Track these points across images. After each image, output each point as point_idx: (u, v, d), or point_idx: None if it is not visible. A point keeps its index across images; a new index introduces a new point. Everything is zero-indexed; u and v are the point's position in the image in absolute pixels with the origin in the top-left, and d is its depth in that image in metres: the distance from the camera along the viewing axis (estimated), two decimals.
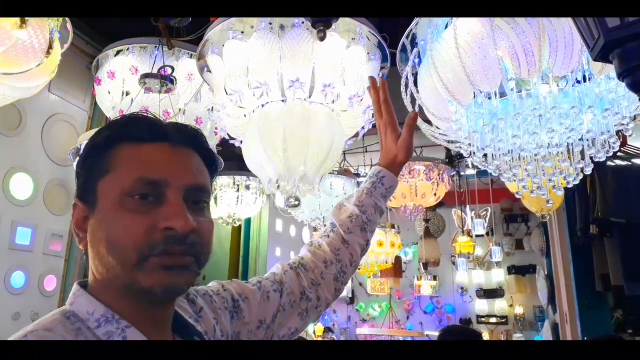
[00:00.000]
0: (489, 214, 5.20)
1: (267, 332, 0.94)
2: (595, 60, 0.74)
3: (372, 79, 1.29)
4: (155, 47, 2.36)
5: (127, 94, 2.35)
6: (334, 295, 1.09)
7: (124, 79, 2.32)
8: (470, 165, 4.76)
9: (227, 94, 1.76)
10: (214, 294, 0.89)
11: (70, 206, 0.75)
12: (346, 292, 7.73)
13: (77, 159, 0.77)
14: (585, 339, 4.13)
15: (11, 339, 0.62)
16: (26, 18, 1.39)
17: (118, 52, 2.41)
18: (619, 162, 3.98)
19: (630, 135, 1.34)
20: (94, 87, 2.56)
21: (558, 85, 1.34)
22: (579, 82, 1.34)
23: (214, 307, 0.86)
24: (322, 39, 1.12)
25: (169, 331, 0.73)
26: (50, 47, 1.55)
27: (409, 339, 6.80)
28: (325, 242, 1.11)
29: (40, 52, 1.50)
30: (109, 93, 2.37)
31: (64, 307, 0.69)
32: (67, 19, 1.70)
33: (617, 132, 1.34)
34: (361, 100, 1.79)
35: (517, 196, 1.33)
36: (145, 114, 0.75)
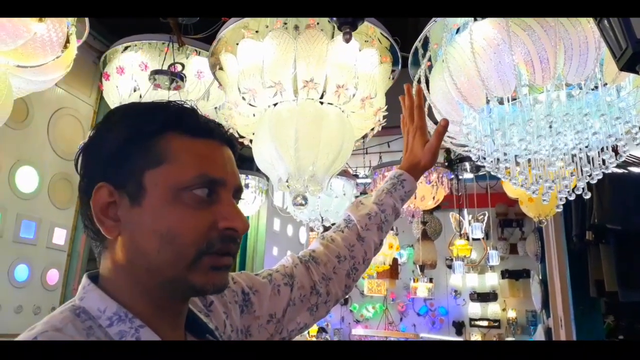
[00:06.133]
0: (486, 217, 5.24)
1: (277, 327, 0.92)
2: (621, 69, 0.76)
3: (408, 86, 1.31)
4: (163, 43, 2.37)
5: (135, 89, 2.36)
6: (344, 292, 1.07)
7: (132, 75, 2.33)
8: (469, 169, 4.80)
9: (240, 92, 1.78)
10: None
11: (74, 200, 0.70)
12: None
13: (99, 139, 0.66)
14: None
15: (19, 339, 0.59)
16: None
17: (126, 48, 2.41)
18: (615, 170, 4.02)
19: (637, 144, 1.36)
20: (100, 81, 2.56)
21: (571, 91, 1.37)
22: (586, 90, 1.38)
23: (223, 301, 0.84)
24: (348, 40, 1.13)
25: (181, 328, 0.71)
26: (67, 41, 1.56)
27: (403, 340, 6.82)
28: (340, 237, 1.09)
29: (58, 46, 1.50)
30: (117, 88, 2.37)
31: (73, 302, 0.65)
32: None
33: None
34: (372, 102, 1.81)
35: (536, 196, 1.34)
36: (191, 105, 0.71)
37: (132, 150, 0.65)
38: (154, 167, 0.65)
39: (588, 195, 1.40)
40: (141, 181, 0.64)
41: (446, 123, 1.23)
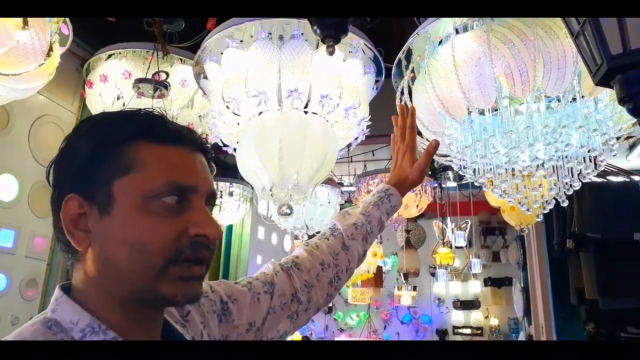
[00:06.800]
0: (469, 226, 5.29)
1: (256, 335, 0.91)
2: (597, 84, 0.78)
3: (402, 107, 1.33)
4: (148, 51, 2.36)
5: (119, 97, 2.35)
6: (326, 300, 1.06)
7: (116, 83, 2.32)
8: (452, 178, 4.85)
9: (224, 101, 1.78)
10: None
11: None
12: None
13: (68, 150, 0.66)
14: None
15: None
16: (28, 19, 1.39)
17: (109, 55, 2.40)
18: (594, 179, 4.08)
19: (614, 155, 1.40)
20: (83, 89, 2.54)
21: (550, 103, 1.40)
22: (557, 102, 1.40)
23: (201, 311, 0.83)
24: (331, 53, 1.14)
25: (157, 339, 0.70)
26: (50, 48, 1.55)
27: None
28: (325, 244, 1.10)
29: (41, 53, 1.49)
30: (100, 96, 2.35)
31: (45, 314, 0.65)
32: (67, 20, 1.69)
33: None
34: (356, 112, 1.82)
35: (512, 204, 1.37)
36: (160, 112, 0.71)
37: (101, 160, 0.65)
38: (122, 176, 0.64)
39: (566, 204, 1.43)
40: (110, 191, 0.64)
41: (437, 144, 1.25)
